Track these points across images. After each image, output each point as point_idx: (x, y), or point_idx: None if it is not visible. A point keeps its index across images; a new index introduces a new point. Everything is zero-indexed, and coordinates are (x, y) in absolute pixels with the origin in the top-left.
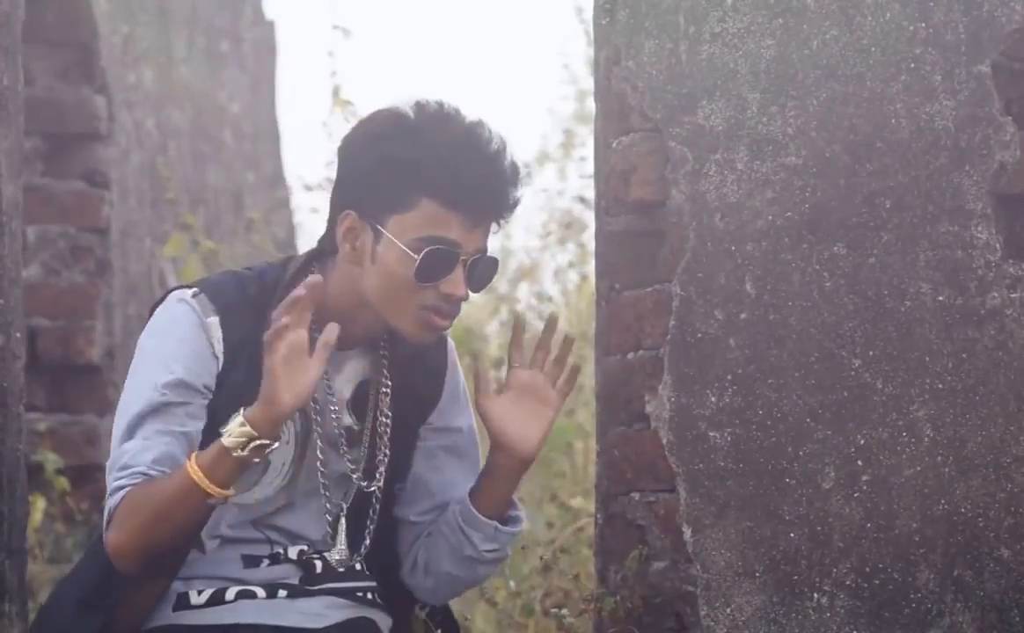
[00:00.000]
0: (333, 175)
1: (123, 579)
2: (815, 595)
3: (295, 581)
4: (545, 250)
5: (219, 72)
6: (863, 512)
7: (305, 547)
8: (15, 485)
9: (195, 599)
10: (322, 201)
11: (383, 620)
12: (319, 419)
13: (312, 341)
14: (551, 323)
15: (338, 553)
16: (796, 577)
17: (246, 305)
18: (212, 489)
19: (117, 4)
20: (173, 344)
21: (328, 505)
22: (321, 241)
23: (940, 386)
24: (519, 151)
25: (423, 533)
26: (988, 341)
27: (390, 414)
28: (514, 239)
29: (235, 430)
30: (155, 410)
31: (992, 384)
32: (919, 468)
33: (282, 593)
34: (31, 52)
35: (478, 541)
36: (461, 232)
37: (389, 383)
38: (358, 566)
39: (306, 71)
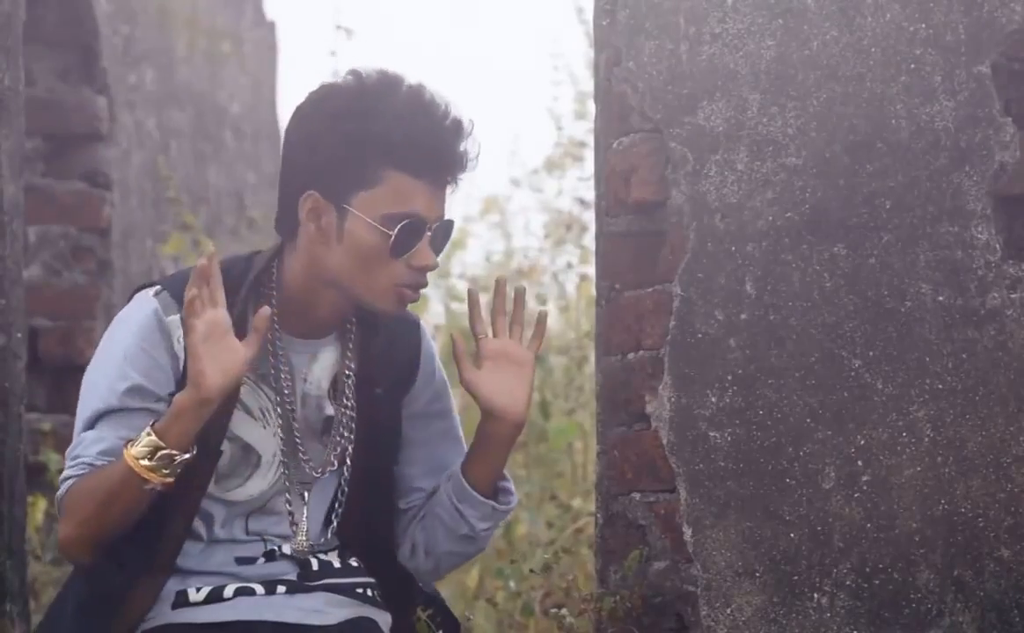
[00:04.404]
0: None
1: (123, 580)
2: (815, 595)
3: (293, 577)
4: (544, 252)
5: (220, 73)
6: (863, 512)
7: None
8: (15, 485)
9: (194, 596)
10: None
11: (383, 619)
12: (296, 411)
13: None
14: (500, 288)
15: (296, 543)
16: (796, 577)
17: None
18: (149, 476)
19: (118, 5)
20: (133, 348)
21: (288, 496)
22: (277, 226)
23: (940, 386)
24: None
25: (415, 517)
26: (988, 341)
27: (354, 402)
28: (514, 240)
29: (142, 438)
30: (112, 412)
31: (992, 384)
32: (919, 468)
33: (281, 589)
34: (32, 53)
35: (474, 520)
36: (425, 200)
37: (353, 367)
38: (354, 562)
39: (307, 71)
